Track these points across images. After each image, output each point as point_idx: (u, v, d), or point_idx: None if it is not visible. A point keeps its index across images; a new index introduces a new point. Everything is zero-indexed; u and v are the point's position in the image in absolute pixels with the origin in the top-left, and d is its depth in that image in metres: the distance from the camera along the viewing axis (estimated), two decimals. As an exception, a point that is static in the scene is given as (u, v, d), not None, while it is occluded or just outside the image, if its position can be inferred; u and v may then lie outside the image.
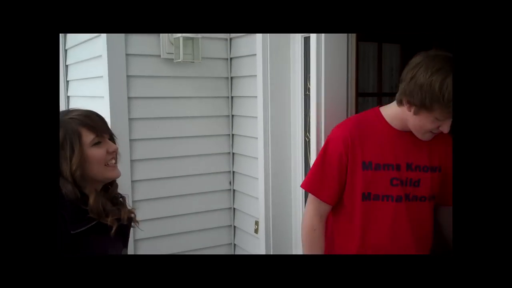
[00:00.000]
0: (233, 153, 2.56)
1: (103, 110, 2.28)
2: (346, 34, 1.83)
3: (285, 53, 2.19)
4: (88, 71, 2.60)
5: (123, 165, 2.22)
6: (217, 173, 2.54)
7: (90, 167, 1.19)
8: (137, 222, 1.34)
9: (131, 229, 1.43)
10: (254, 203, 2.36)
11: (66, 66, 3.07)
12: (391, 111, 1.45)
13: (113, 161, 1.25)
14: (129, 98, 2.24)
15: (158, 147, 2.36)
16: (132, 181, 2.29)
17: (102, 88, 2.28)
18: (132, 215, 1.31)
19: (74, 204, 1.15)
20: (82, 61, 2.73)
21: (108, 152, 1.22)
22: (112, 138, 1.29)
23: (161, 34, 2.27)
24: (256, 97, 2.26)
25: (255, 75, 2.26)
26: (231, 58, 2.49)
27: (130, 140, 2.27)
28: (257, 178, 2.30)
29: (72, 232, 1.11)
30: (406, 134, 1.43)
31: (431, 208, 1.48)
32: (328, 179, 1.46)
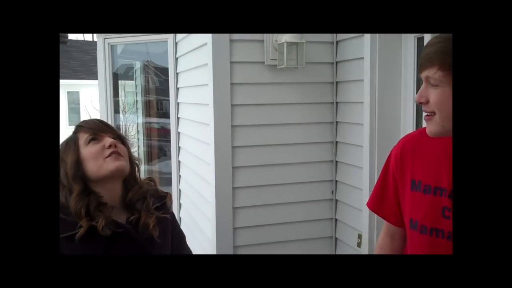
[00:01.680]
0: (336, 162, 2.45)
1: (208, 117, 2.34)
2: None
3: (395, 55, 2.04)
4: (195, 79, 2.70)
5: (225, 172, 2.28)
6: (319, 181, 2.45)
7: (88, 165, 1.19)
8: (155, 231, 1.23)
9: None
10: (358, 215, 2.22)
11: (177, 73, 3.23)
12: None
13: (115, 154, 1.21)
14: (232, 105, 2.26)
15: (260, 154, 2.34)
16: (233, 188, 2.31)
17: (207, 95, 2.34)
18: (151, 223, 1.22)
19: (61, 210, 1.13)
20: (190, 69, 2.84)
21: (105, 147, 1.21)
22: (120, 139, 1.27)
23: (265, 40, 2.25)
24: (363, 103, 2.13)
25: (362, 80, 2.13)
26: (336, 62, 2.39)
27: (233, 147, 2.29)
28: (361, 189, 2.17)
29: None
30: None
31: None
32: (388, 197, 1.28)
